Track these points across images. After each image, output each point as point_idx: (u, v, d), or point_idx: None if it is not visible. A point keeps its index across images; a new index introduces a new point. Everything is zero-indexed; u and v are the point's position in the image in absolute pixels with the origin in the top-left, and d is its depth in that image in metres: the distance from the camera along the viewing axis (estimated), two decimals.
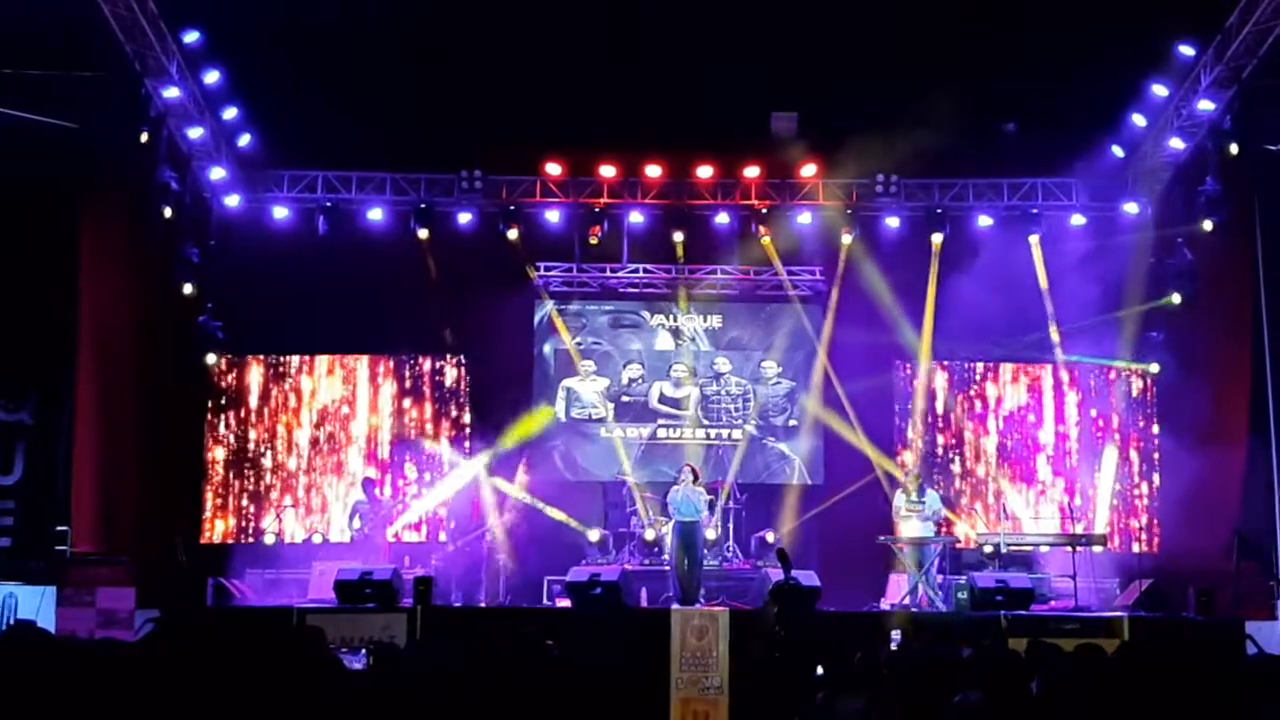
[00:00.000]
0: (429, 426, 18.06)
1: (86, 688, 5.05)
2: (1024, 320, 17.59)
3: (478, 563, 16.19)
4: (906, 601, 14.55)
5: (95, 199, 15.58)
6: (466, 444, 17.86)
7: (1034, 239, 17.49)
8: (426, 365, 18.19)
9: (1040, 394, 18.28)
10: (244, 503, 17.80)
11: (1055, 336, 17.63)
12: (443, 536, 17.56)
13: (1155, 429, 17.75)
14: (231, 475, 17.84)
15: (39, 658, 5.18)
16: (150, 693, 5.19)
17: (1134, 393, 17.91)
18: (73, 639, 9.82)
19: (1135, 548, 17.24)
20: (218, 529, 17.67)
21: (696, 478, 15.01)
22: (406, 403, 18.11)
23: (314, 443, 18.01)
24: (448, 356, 18.11)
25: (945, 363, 18.16)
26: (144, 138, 14.92)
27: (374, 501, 16.20)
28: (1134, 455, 17.85)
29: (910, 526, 15.13)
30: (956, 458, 18.16)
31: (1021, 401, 18.29)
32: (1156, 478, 17.58)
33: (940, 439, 18.17)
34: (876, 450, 17.62)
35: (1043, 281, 17.53)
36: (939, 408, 18.22)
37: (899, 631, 12.22)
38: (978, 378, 18.28)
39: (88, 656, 5.27)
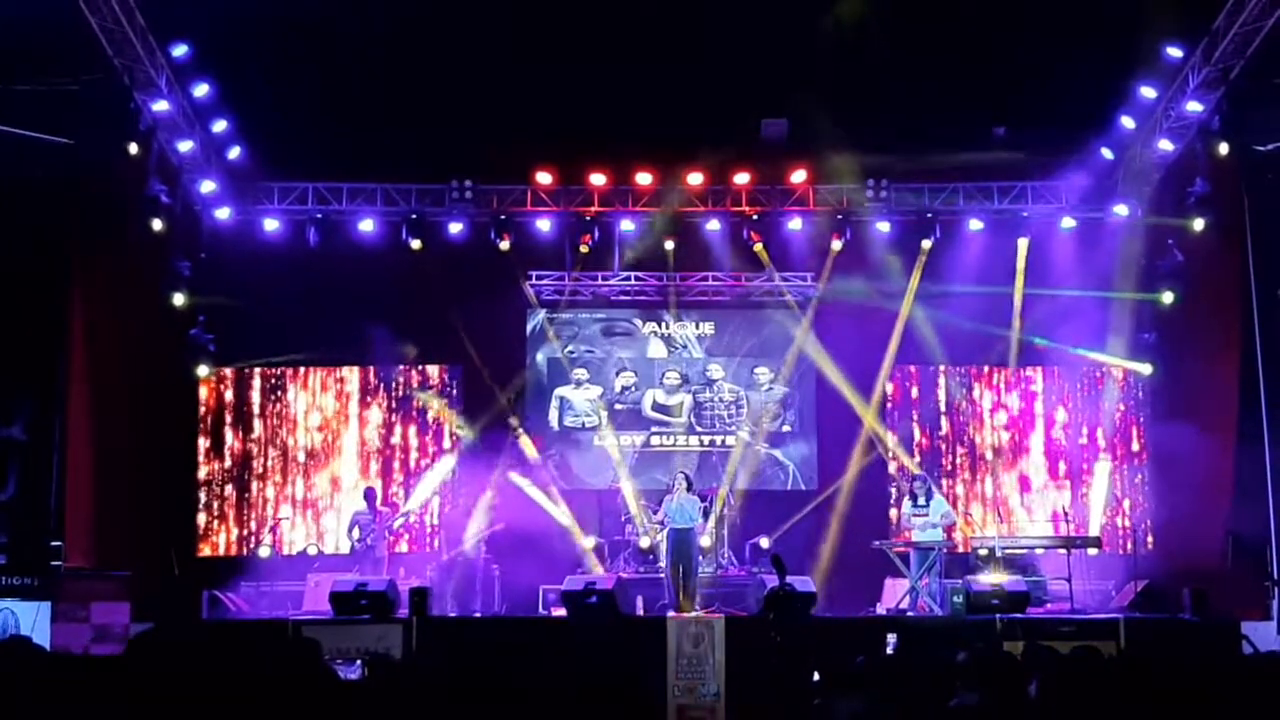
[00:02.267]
0: (417, 437, 18.08)
1: (79, 701, 5.03)
2: (1014, 323, 17.62)
3: (473, 573, 16.15)
4: (903, 606, 14.54)
5: (85, 212, 15.53)
6: (459, 452, 17.88)
7: (1022, 242, 17.50)
8: (419, 375, 18.19)
9: (1034, 398, 18.31)
10: (239, 516, 17.78)
11: (1042, 339, 17.61)
12: (430, 548, 17.56)
13: (1147, 431, 17.78)
14: (225, 488, 17.82)
15: (31, 672, 5.15)
16: (145, 706, 5.17)
17: (1126, 394, 17.94)
18: (65, 654, 9.80)
19: (1130, 549, 17.23)
20: (212, 542, 17.65)
21: (690, 485, 15.00)
22: (398, 414, 18.13)
23: (307, 454, 18.01)
24: (435, 368, 18.12)
25: (943, 367, 18.18)
26: (133, 150, 14.91)
27: (374, 512, 16.15)
28: (1127, 457, 17.88)
29: (917, 532, 15.15)
30: (951, 462, 18.18)
31: (1015, 406, 18.32)
32: (1149, 479, 17.58)
33: (927, 441, 18.22)
34: (886, 429, 17.71)
35: (1019, 286, 17.52)
36: (940, 411, 18.25)
37: (894, 636, 12.22)
38: (973, 382, 18.31)
39: (79, 670, 5.25)
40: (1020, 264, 17.50)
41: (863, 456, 17.67)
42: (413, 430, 18.17)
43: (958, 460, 18.22)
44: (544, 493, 17.56)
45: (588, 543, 17.17)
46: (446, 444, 18.11)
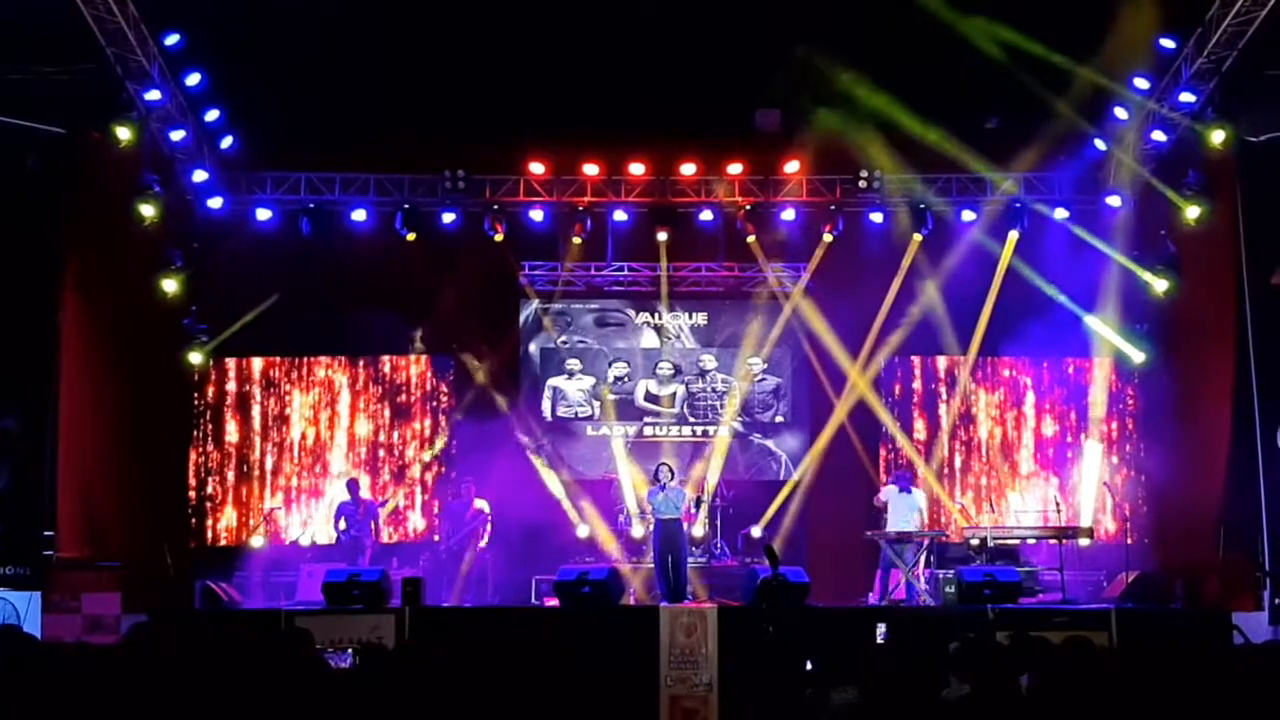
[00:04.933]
0: (407, 428, 18.09)
1: (71, 690, 5.03)
2: (1005, 313, 17.62)
3: (465, 562, 16.16)
4: (900, 596, 14.58)
5: (77, 202, 15.50)
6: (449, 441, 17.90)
7: (1012, 236, 17.47)
8: (412, 366, 18.19)
9: (1024, 388, 18.31)
10: (231, 506, 17.76)
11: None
12: (421, 536, 17.60)
13: (1139, 421, 17.80)
14: (218, 478, 17.79)
15: (22, 661, 5.15)
16: (136, 696, 5.17)
17: (1117, 385, 17.95)
18: (57, 643, 9.77)
19: (1122, 539, 17.24)
20: (205, 533, 17.62)
21: (673, 476, 14.97)
22: (390, 403, 18.12)
23: (300, 445, 17.98)
24: (428, 358, 18.12)
25: (936, 357, 18.18)
26: (125, 140, 14.88)
27: (358, 502, 16.16)
28: (1118, 447, 17.91)
29: (895, 521, 15.22)
30: (944, 452, 18.18)
31: (1007, 397, 18.33)
32: (1141, 470, 17.60)
33: (923, 431, 18.25)
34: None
35: (999, 276, 17.50)
36: (940, 402, 18.27)
37: (884, 625, 12.26)
38: (963, 372, 18.31)
39: (72, 659, 5.25)
40: (1005, 258, 17.48)
41: (830, 437, 17.66)
42: (402, 421, 18.12)
43: (953, 451, 18.20)
44: (559, 479, 17.58)
45: (582, 532, 17.20)
46: (438, 434, 18.10)
